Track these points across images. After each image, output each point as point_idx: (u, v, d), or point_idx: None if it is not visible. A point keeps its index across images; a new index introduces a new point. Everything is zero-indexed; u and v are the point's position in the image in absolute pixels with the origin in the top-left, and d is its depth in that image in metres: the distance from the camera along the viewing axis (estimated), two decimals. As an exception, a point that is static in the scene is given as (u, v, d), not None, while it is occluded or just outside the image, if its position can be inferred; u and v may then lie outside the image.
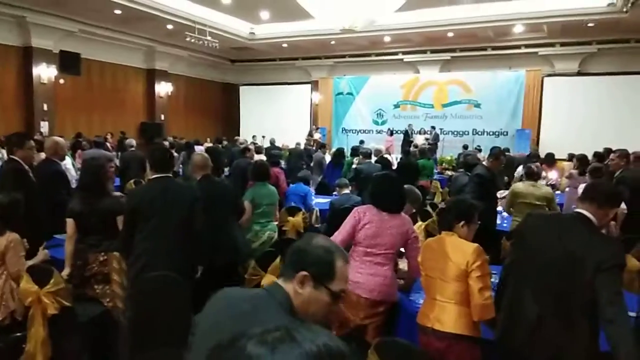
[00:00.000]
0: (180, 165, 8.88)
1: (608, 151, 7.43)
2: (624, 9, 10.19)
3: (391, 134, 15.41)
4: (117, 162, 7.75)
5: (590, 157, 7.61)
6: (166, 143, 9.76)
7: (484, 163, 5.67)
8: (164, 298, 2.96)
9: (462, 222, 2.63)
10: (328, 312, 1.38)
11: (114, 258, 3.36)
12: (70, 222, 3.40)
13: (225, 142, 13.40)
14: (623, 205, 4.50)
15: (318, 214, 6.24)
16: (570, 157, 9.17)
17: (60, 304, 2.77)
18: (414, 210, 3.89)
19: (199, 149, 10.40)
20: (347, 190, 6.01)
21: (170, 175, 3.39)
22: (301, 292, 1.33)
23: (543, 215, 2.65)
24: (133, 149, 8.21)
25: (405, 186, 3.65)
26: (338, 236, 3.09)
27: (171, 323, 2.87)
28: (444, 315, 2.48)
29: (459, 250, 2.52)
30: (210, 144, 11.79)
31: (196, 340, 1.32)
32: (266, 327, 0.75)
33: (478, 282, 2.41)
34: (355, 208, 3.20)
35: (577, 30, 12.96)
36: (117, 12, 11.77)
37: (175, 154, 8.78)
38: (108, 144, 10.93)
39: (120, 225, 3.32)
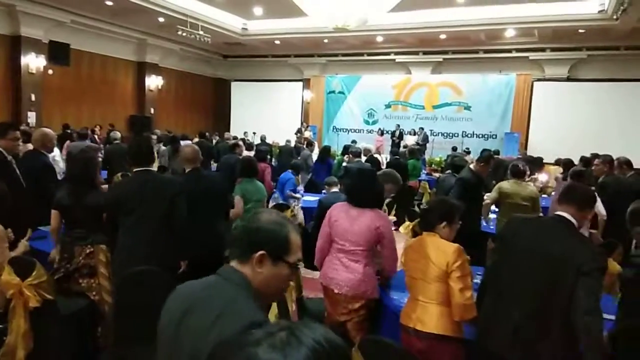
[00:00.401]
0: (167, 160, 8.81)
1: (594, 156, 7.50)
2: (615, 17, 10.31)
3: (382, 133, 15.48)
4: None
5: (576, 161, 7.69)
6: (154, 136, 9.70)
7: (471, 166, 5.65)
8: (147, 292, 2.94)
9: (443, 223, 2.65)
10: (287, 283, 1.43)
11: (101, 250, 3.34)
12: (55, 214, 3.37)
13: (217, 138, 13.33)
14: (603, 212, 4.55)
15: (297, 212, 6.16)
16: (558, 161, 9.26)
17: (43, 297, 2.73)
18: (393, 194, 3.79)
19: (186, 144, 10.35)
20: (336, 189, 5.97)
21: (151, 168, 3.36)
22: (260, 271, 1.30)
23: (525, 218, 2.65)
24: (117, 141, 8.15)
25: (386, 170, 3.64)
26: (319, 241, 3.15)
27: (155, 318, 2.86)
28: (426, 316, 2.50)
29: (440, 250, 2.54)
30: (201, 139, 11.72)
31: (158, 338, 1.32)
32: (270, 328, 0.77)
33: (458, 282, 2.42)
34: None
35: (568, 36, 13.10)
36: (109, 3, 11.68)
37: (163, 147, 8.74)
38: (96, 137, 10.84)
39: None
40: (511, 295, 2.29)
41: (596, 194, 4.56)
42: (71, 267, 3.25)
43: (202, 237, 3.65)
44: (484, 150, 5.76)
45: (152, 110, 16.30)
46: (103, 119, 13.89)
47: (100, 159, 4.91)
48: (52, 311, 2.82)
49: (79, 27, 13.15)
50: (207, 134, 12.71)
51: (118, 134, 8.58)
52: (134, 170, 3.33)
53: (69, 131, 9.93)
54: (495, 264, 2.50)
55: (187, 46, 16.39)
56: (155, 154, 7.89)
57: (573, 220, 2.27)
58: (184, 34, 13.00)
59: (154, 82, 16.30)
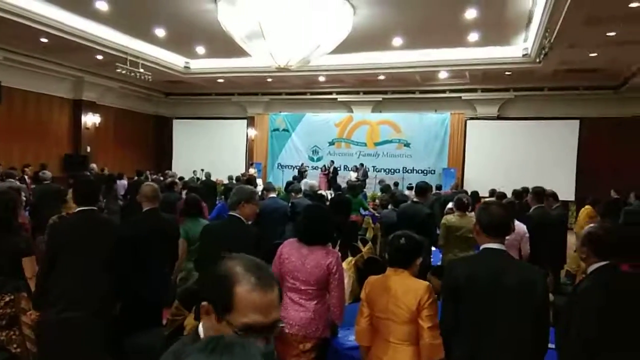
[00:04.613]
0: (104, 199, 8.49)
1: (525, 189, 7.93)
2: (537, 60, 11.15)
3: (325, 170, 15.73)
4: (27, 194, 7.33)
5: (510, 194, 8.08)
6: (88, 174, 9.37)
7: (414, 199, 5.76)
8: (79, 341, 2.76)
9: (419, 259, 2.62)
10: None
11: (22, 298, 3.11)
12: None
13: (154, 176, 13.00)
14: (528, 249, 4.75)
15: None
16: (491, 193, 9.67)
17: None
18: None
19: (122, 183, 10.03)
20: (273, 194, 6.43)
21: (95, 208, 3.23)
22: (207, 326, 1.14)
23: (463, 259, 2.59)
24: (47, 182, 7.77)
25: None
26: None
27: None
28: (399, 355, 2.44)
29: (409, 289, 2.46)
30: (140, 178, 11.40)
31: None
32: None
33: (428, 321, 2.38)
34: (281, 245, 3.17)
35: (496, 78, 14.01)
36: (44, 40, 11.30)
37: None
38: (26, 177, 10.27)
39: (25, 265, 3.09)
40: (492, 342, 2.22)
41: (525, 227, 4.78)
42: (-12, 318, 3.01)
43: (151, 279, 3.53)
44: (420, 182, 5.92)
45: (88, 149, 15.70)
46: (36, 158, 13.16)
47: (24, 199, 4.66)
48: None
49: (11, 64, 12.61)
50: (140, 172, 12.39)
51: (49, 174, 8.18)
52: (78, 209, 3.18)
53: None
54: (456, 313, 2.33)
55: (127, 84, 16.06)
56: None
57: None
58: (124, 72, 12.76)
59: (90, 119, 15.76)
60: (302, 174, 15.01)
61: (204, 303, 1.14)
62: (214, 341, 0.84)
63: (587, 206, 7.27)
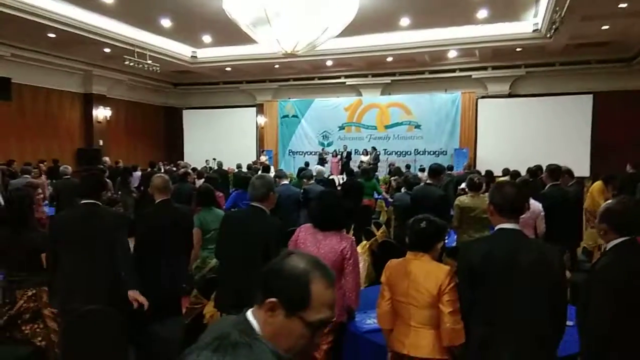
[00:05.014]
0: (119, 192, 8.57)
1: (539, 167, 7.84)
2: (548, 35, 10.94)
3: (336, 155, 15.69)
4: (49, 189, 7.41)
5: (524, 172, 8.01)
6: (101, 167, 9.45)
7: (428, 181, 5.71)
8: (95, 332, 2.79)
9: (440, 243, 2.61)
10: (307, 345, 1.15)
11: (45, 292, 3.17)
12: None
13: (167, 167, 13.08)
14: (543, 227, 4.70)
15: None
16: (505, 172, 9.59)
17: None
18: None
19: (137, 174, 10.10)
20: (286, 181, 6.51)
21: (97, 202, 3.23)
22: (271, 322, 1.13)
23: (482, 242, 2.52)
24: (68, 177, 7.85)
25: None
26: None
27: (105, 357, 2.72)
28: (421, 340, 2.44)
29: (430, 274, 2.45)
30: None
31: None
32: None
33: (448, 306, 2.36)
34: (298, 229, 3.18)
35: (507, 55, 13.79)
36: (51, 35, 11.35)
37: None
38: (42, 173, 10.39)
39: (45, 261, 3.14)
40: (510, 321, 2.21)
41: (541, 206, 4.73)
42: (13, 312, 3.07)
43: (167, 269, 3.55)
44: (433, 164, 5.84)
45: (100, 142, 15.83)
46: (48, 154, 13.33)
47: (41, 195, 4.70)
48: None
49: (20, 61, 12.69)
50: (153, 163, 12.45)
51: (69, 169, 8.26)
52: (80, 202, 3.22)
53: (10, 169, 9.47)
54: (473, 294, 2.32)
55: (136, 76, 16.10)
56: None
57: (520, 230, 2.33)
58: (132, 64, 12.79)
59: (102, 113, 15.87)
60: (323, 160, 15.08)
61: (273, 299, 1.13)
62: (218, 339, 0.85)
63: (597, 181, 7.14)
